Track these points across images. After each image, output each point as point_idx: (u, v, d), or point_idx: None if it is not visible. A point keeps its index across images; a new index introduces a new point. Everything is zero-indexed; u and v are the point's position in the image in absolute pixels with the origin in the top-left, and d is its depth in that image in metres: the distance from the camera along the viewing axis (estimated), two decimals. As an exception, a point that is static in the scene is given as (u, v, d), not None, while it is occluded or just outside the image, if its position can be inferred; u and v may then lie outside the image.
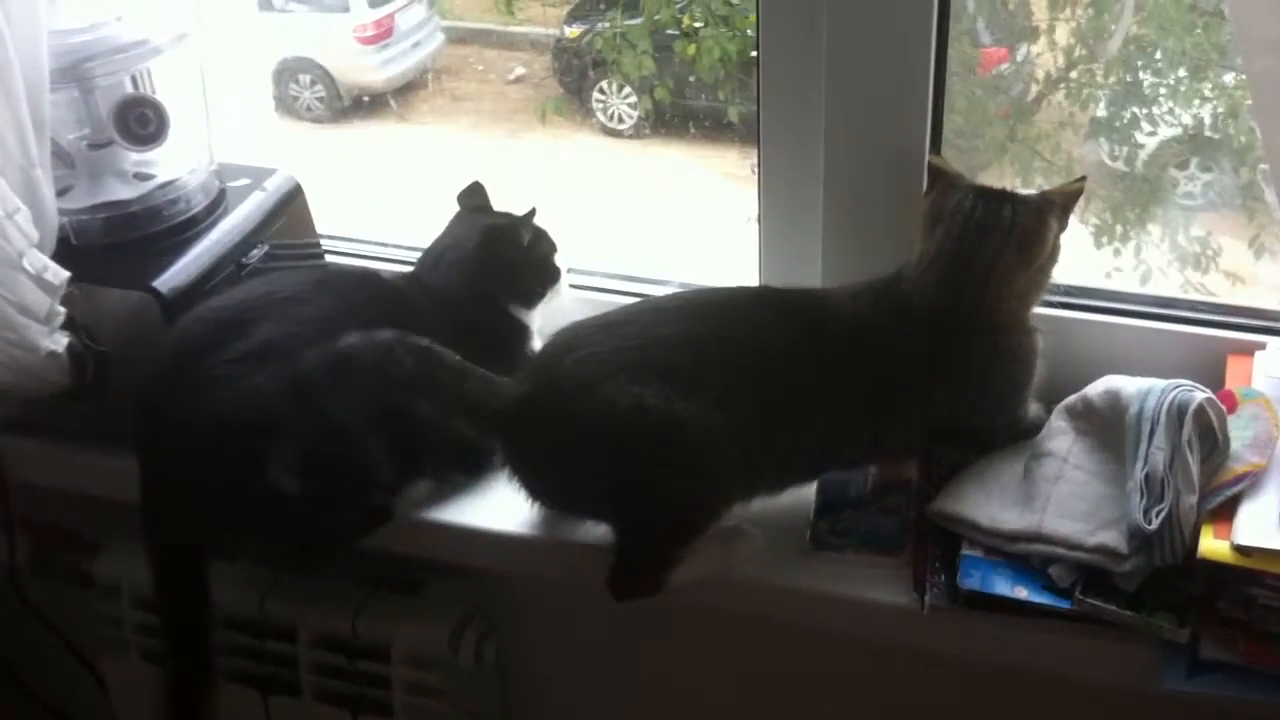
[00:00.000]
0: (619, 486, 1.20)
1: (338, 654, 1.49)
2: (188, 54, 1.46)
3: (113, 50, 1.40)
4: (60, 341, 1.34)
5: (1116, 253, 1.82)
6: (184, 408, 1.26)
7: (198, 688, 1.37)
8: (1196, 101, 1.85)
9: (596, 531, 1.28)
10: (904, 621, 1.22)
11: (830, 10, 1.29)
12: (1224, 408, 1.17)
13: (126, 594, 1.55)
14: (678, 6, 2.06)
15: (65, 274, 1.31)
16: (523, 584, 1.47)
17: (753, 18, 1.40)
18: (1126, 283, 1.80)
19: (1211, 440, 1.15)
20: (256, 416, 1.23)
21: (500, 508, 1.36)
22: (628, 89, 2.19)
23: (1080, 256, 1.81)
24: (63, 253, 1.36)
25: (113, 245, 1.44)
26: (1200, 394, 1.15)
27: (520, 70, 2.31)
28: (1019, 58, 1.94)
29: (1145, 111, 1.85)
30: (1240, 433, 1.17)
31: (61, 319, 1.33)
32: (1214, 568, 1.09)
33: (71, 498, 1.50)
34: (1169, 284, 1.85)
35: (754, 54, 1.40)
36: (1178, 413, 1.13)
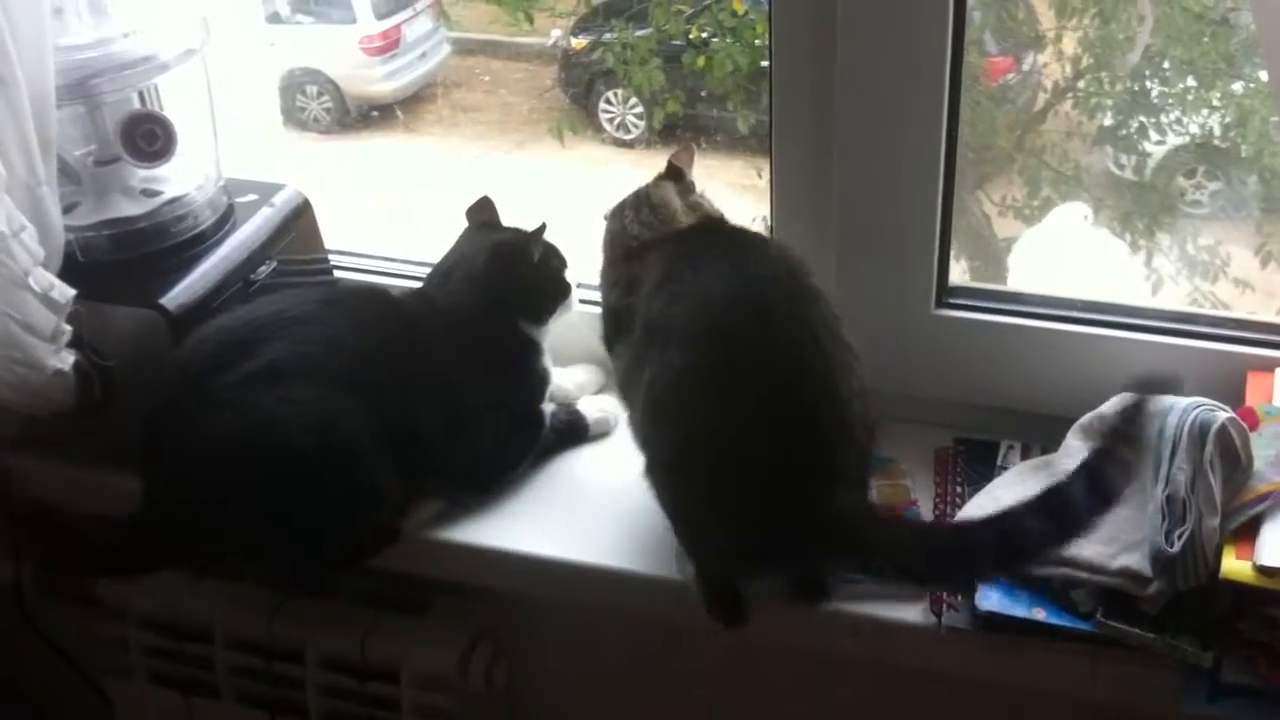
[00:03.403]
0: None
1: (346, 676, 1.48)
2: (195, 69, 1.45)
3: (120, 66, 1.39)
4: (66, 360, 1.33)
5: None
6: (190, 429, 1.24)
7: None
8: (1204, 110, 1.84)
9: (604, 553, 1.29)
10: (921, 643, 1.21)
11: (843, 19, 1.28)
12: (1246, 426, 1.15)
13: (133, 616, 1.54)
14: (685, 18, 2.05)
15: (71, 292, 1.30)
16: (533, 605, 1.46)
17: (760, 29, 1.39)
18: (1138, 293, 1.79)
19: (1234, 460, 1.13)
20: (263, 439, 1.22)
21: (510, 527, 1.35)
22: (634, 99, 2.18)
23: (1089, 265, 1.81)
24: (69, 270, 1.35)
25: (120, 262, 1.43)
26: (1223, 413, 1.13)
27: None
28: (1025, 67, 1.94)
29: (1153, 120, 1.85)
30: (1263, 451, 1.15)
31: (68, 337, 1.32)
32: (1236, 589, 1.08)
33: (79, 517, 1.49)
34: (1177, 292, 1.84)
35: (764, 64, 1.39)
36: (1199, 433, 1.12)
